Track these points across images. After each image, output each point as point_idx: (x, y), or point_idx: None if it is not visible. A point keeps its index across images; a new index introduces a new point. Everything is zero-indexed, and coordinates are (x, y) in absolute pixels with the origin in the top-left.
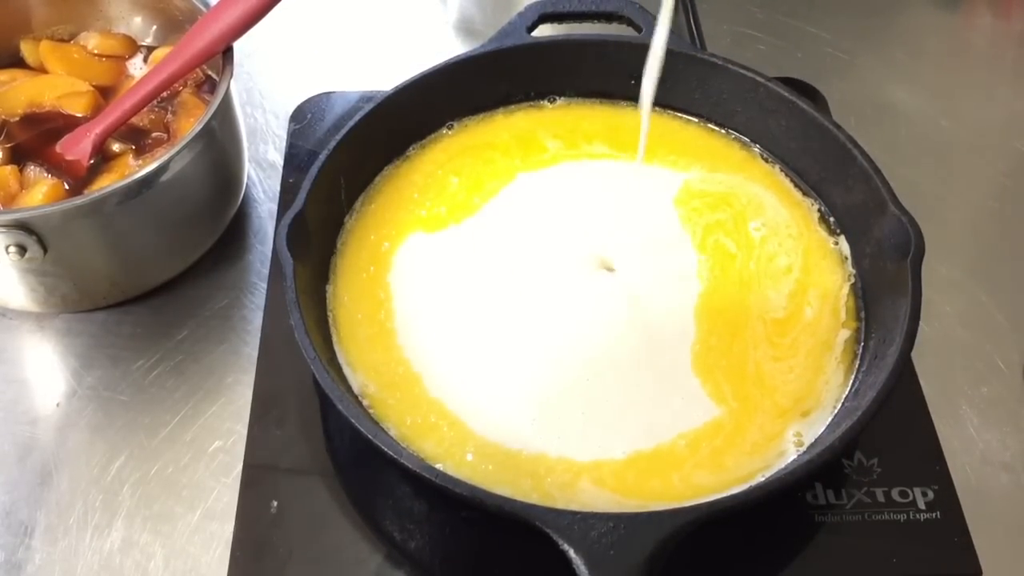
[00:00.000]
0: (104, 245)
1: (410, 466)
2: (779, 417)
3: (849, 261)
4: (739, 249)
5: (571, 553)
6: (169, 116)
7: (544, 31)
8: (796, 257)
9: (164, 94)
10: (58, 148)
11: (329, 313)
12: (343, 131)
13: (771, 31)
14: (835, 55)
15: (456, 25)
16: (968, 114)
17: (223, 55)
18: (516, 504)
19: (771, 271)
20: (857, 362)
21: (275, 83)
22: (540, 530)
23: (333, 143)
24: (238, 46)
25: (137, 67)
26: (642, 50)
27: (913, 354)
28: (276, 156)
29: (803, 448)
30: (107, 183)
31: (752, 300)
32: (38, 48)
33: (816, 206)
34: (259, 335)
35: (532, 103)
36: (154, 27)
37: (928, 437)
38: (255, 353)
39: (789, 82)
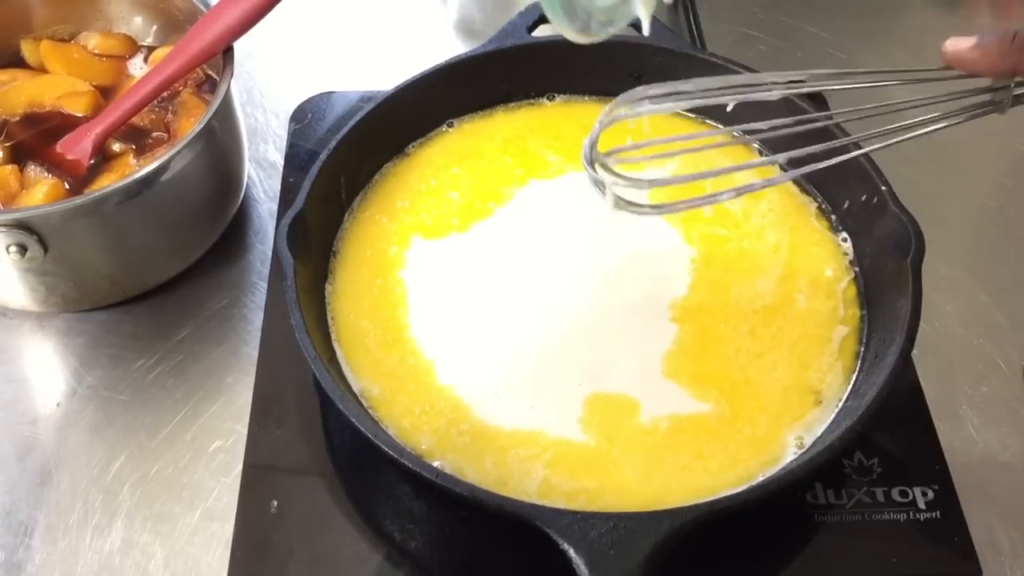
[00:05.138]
0: (104, 245)
1: (410, 465)
2: (779, 417)
3: (848, 259)
4: (727, 229)
5: (571, 553)
6: (169, 116)
7: (544, 31)
8: (784, 233)
9: (164, 94)
10: (58, 148)
11: (329, 312)
12: (343, 130)
13: (771, 31)
14: (835, 55)
15: (456, 25)
16: None
17: (223, 55)
18: (516, 504)
19: (762, 249)
20: (858, 362)
21: (275, 83)
22: (540, 530)
23: (333, 142)
24: (238, 46)
25: (137, 67)
26: (642, 49)
27: (913, 354)
28: (276, 156)
29: (803, 448)
30: (107, 183)
31: (748, 292)
32: (38, 48)
33: (816, 204)
34: (259, 335)
35: (532, 101)
36: (154, 27)
37: (928, 437)
38: (255, 353)
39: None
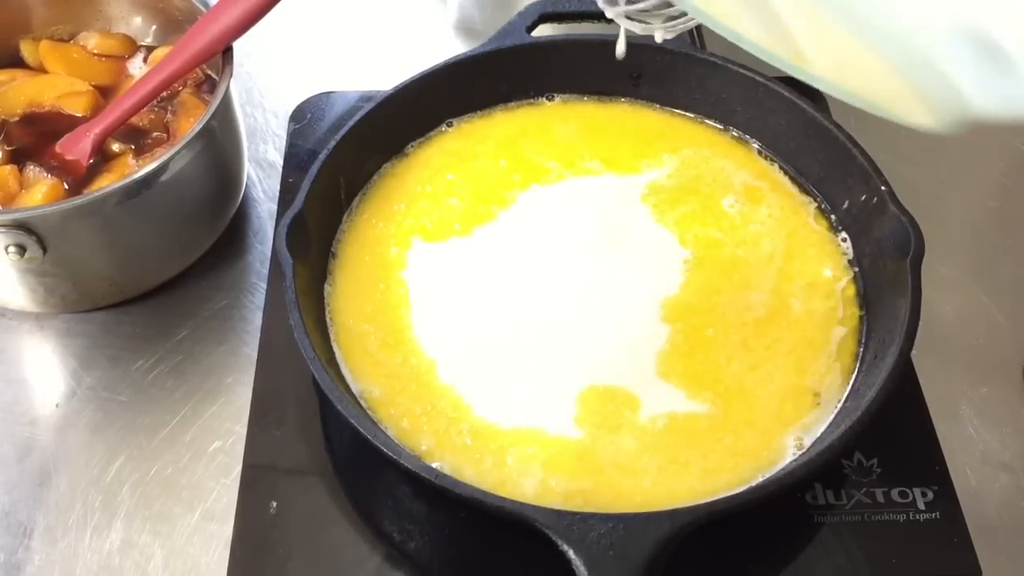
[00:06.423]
0: (104, 245)
1: (409, 466)
2: (777, 418)
3: (847, 259)
4: (724, 232)
5: (571, 554)
6: (169, 116)
7: (544, 31)
8: (780, 239)
9: (164, 94)
10: (58, 148)
11: (328, 313)
12: (343, 130)
13: None
14: None
15: (456, 25)
16: None
17: (223, 55)
18: (516, 505)
19: (755, 260)
20: (857, 362)
21: (275, 83)
22: (540, 531)
23: (333, 142)
24: (238, 46)
25: (137, 67)
26: (642, 49)
27: (913, 354)
28: (276, 156)
29: (802, 449)
30: (107, 183)
31: (739, 303)
32: (38, 48)
33: (815, 204)
34: (259, 335)
35: (532, 100)
36: (154, 27)
37: (928, 437)
38: (255, 353)
39: (789, 82)
